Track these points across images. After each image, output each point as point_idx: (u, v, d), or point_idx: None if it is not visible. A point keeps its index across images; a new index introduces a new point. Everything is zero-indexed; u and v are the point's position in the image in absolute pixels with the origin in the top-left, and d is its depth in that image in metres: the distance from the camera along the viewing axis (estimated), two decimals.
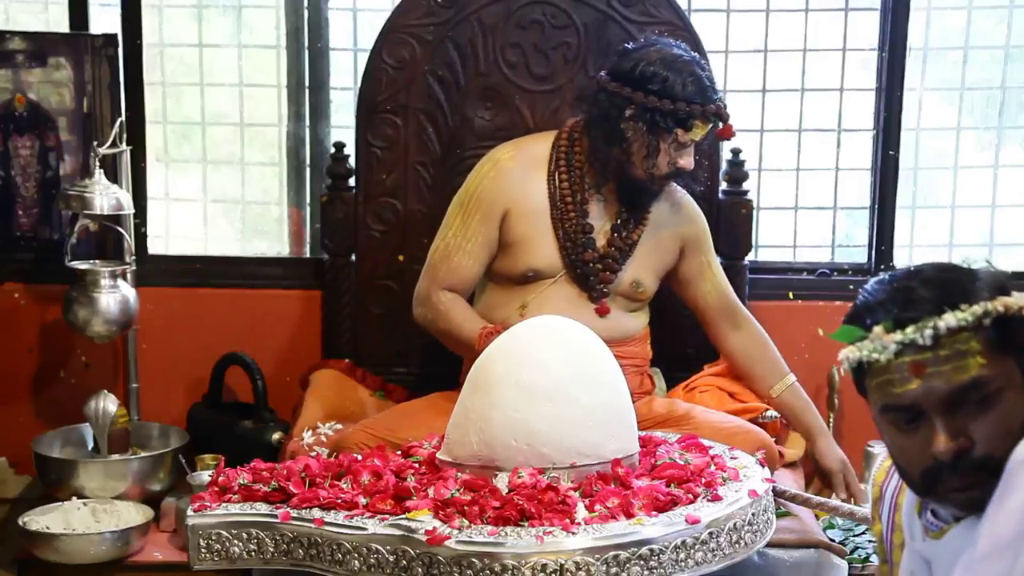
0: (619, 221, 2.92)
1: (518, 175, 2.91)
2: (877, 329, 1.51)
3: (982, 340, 1.47)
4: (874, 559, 2.91)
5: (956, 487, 1.52)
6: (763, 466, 2.53)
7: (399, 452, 2.57)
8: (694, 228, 3.02)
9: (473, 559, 2.10)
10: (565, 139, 2.93)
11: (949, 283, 1.51)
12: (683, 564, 2.18)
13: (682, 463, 2.40)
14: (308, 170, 3.66)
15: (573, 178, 2.90)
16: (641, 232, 2.94)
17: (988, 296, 1.49)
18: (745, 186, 3.37)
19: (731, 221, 3.33)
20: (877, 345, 1.50)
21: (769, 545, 2.46)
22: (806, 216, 3.66)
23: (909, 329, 1.48)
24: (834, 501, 2.81)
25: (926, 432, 1.51)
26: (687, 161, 2.83)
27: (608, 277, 2.91)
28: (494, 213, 2.89)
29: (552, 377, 2.33)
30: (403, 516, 2.21)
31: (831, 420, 3.43)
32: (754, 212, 3.40)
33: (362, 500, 2.28)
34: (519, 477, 2.25)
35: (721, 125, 2.84)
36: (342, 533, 2.20)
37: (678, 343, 3.26)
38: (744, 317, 3.06)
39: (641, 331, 3.02)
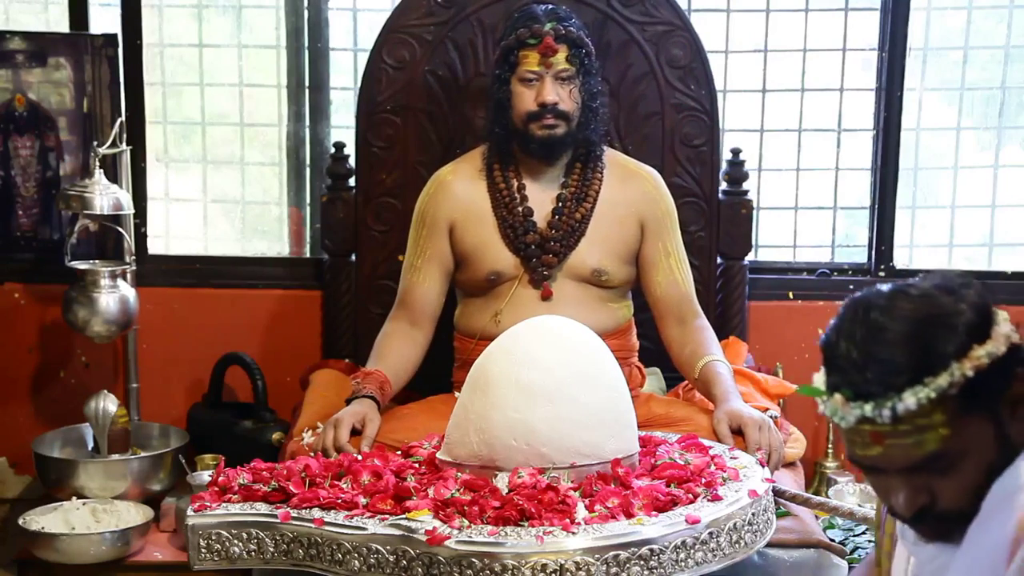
0: (560, 203, 2.93)
1: (459, 187, 2.96)
2: (837, 396, 1.44)
3: (947, 409, 1.40)
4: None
5: (919, 533, 1.51)
6: (763, 466, 2.53)
7: (399, 452, 2.57)
8: (653, 208, 2.97)
9: (473, 559, 2.10)
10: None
11: (921, 343, 1.40)
12: (683, 564, 2.18)
13: (682, 463, 2.40)
14: (308, 170, 3.66)
15: (507, 171, 2.94)
16: (588, 210, 2.93)
17: (963, 348, 1.40)
18: (745, 186, 3.37)
19: (731, 221, 3.33)
20: (837, 412, 1.44)
21: (769, 545, 2.46)
22: (806, 216, 3.66)
23: (868, 407, 1.41)
24: (834, 501, 2.80)
25: (888, 484, 1.48)
26: (547, 96, 2.83)
27: (550, 260, 2.91)
28: (439, 227, 2.94)
29: (552, 377, 2.32)
30: (403, 516, 2.21)
31: (831, 422, 3.43)
32: (754, 212, 3.40)
33: (362, 500, 2.28)
34: (519, 477, 2.25)
35: (540, 45, 2.83)
36: (342, 533, 2.20)
37: None
38: (692, 314, 2.97)
39: (622, 323, 3.01)
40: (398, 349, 2.92)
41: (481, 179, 2.96)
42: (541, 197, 2.94)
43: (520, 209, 2.92)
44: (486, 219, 2.94)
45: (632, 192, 2.97)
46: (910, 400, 1.39)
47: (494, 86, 2.92)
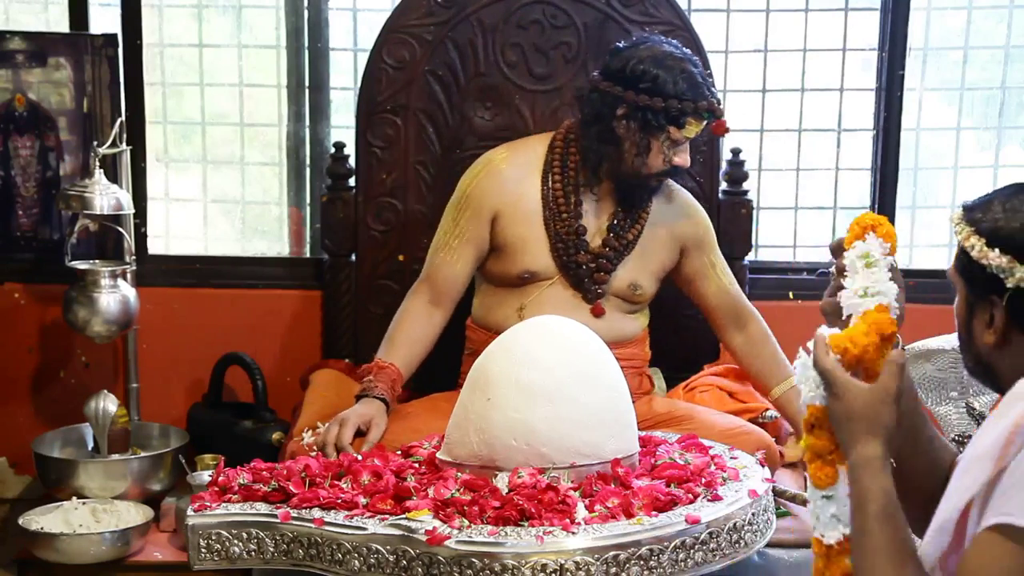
0: (615, 221, 2.92)
1: (511, 177, 2.90)
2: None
3: (965, 252, 1.71)
4: None
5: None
6: (763, 466, 2.53)
7: (399, 452, 2.57)
8: (695, 228, 3.00)
9: (473, 559, 2.10)
10: (561, 140, 2.93)
11: (1008, 225, 1.67)
12: (683, 564, 2.18)
13: (682, 463, 2.40)
14: (308, 170, 3.66)
15: (567, 179, 2.90)
16: (638, 231, 2.93)
17: (1008, 248, 1.63)
18: (745, 186, 3.37)
19: (731, 221, 3.33)
20: None
21: (769, 545, 2.46)
22: (806, 216, 3.66)
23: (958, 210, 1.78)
24: None
25: None
26: (683, 159, 2.83)
27: (602, 278, 2.90)
28: (483, 214, 2.89)
29: (552, 377, 2.33)
30: (403, 516, 2.21)
31: None
32: (754, 212, 3.40)
33: (362, 500, 2.28)
34: (519, 477, 2.25)
35: (715, 121, 2.81)
36: (342, 533, 2.20)
37: (678, 343, 3.26)
38: (749, 316, 3.04)
39: (640, 333, 3.01)
40: (415, 331, 2.88)
41: (536, 174, 2.91)
42: (596, 214, 2.92)
43: (574, 225, 2.89)
44: (533, 217, 2.89)
45: (675, 214, 2.99)
46: (952, 214, 1.77)
47: (635, 125, 2.79)
